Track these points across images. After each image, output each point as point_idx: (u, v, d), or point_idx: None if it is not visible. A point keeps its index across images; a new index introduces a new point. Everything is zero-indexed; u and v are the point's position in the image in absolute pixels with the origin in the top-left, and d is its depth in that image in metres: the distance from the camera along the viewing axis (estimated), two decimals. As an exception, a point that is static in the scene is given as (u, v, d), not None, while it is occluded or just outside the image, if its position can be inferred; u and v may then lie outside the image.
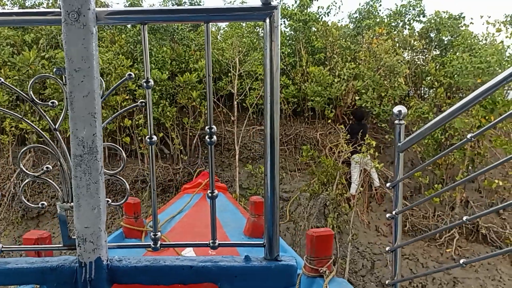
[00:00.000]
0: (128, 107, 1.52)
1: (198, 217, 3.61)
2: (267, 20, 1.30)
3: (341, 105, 8.15)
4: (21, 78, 6.30)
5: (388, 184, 1.86)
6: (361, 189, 6.53)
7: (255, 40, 8.77)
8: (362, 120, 7.55)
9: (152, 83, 1.41)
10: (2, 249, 1.48)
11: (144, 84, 1.39)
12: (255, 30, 9.11)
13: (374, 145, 6.08)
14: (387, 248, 1.92)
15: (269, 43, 1.31)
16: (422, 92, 9.24)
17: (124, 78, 1.43)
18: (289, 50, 8.79)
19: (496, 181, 6.70)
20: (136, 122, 6.99)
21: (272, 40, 1.31)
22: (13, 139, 6.94)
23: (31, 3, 8.22)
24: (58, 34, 7.17)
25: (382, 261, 6.29)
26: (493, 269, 5.97)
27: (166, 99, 7.30)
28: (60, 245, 1.49)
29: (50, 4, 8.01)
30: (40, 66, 6.36)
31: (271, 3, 1.30)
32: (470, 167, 7.24)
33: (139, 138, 7.07)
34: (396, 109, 1.72)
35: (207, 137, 1.41)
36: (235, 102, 7.71)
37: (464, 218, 1.44)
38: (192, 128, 7.61)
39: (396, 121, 1.75)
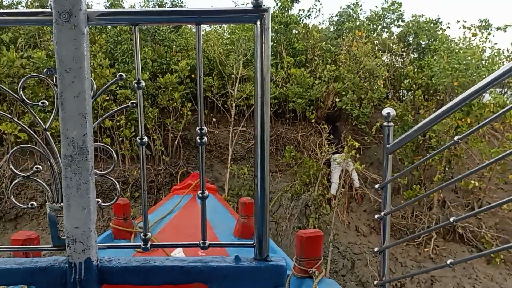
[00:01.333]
0: (120, 107, 1.52)
1: (188, 219, 3.60)
2: (258, 23, 1.32)
3: (322, 107, 8.23)
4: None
5: (377, 186, 1.88)
6: (342, 189, 6.61)
7: (235, 41, 8.80)
8: (335, 122, 7.68)
9: (143, 84, 1.42)
10: None
11: (135, 85, 1.40)
12: (237, 31, 9.13)
13: (356, 146, 6.17)
14: (375, 249, 1.95)
15: (259, 45, 1.34)
16: (401, 94, 9.40)
17: (116, 79, 1.44)
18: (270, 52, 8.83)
19: (472, 181, 6.87)
20: (117, 123, 6.92)
21: (262, 42, 1.33)
22: (-10, 140, 6.80)
23: (8, 2, 8.07)
24: (37, 34, 7.06)
25: (362, 260, 6.38)
26: (470, 268, 6.12)
27: (147, 100, 7.25)
28: (50, 246, 1.48)
29: (29, 4, 7.87)
30: (19, 66, 6.24)
31: (262, 6, 1.32)
32: (447, 168, 7.41)
33: (120, 139, 7.01)
34: (385, 111, 1.74)
35: (197, 138, 1.43)
36: (233, 104, 7.69)
37: (452, 219, 1.48)
38: (173, 129, 7.58)
39: (385, 123, 1.77)
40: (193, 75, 7.89)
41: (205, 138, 1.43)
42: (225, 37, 9.21)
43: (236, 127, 8.14)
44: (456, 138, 1.43)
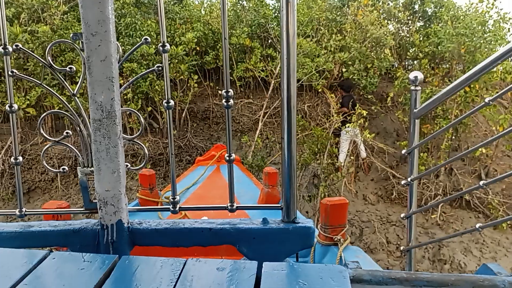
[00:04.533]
0: (146, 71, 1.53)
1: (212, 189, 3.64)
2: None
3: (328, 77, 8.18)
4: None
5: (403, 151, 1.89)
6: (351, 157, 6.65)
7: (239, 12, 8.69)
8: (350, 91, 7.60)
9: (169, 47, 1.42)
10: (26, 212, 1.50)
11: (161, 48, 1.40)
12: (240, 2, 9.00)
13: (364, 114, 6.17)
14: (401, 215, 1.96)
15: (285, 5, 1.32)
16: (407, 63, 9.31)
17: (141, 42, 1.44)
18: (275, 22, 8.72)
19: (479, 149, 6.87)
20: (124, 97, 6.92)
21: (288, 1, 1.31)
22: (-1, 116, 6.87)
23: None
24: (40, 9, 6.99)
25: (370, 228, 6.47)
26: (476, 233, 6.19)
27: (153, 73, 7.22)
28: (82, 209, 1.51)
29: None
30: (24, 41, 6.21)
31: None
32: (453, 136, 7.41)
33: (128, 112, 7.01)
34: (412, 75, 1.73)
35: (223, 100, 1.43)
36: (272, 81, 7.56)
37: (481, 182, 1.49)
38: (180, 102, 7.56)
39: (412, 87, 1.75)
40: (198, 48, 7.82)
41: (231, 101, 1.43)
42: (229, 9, 9.06)
43: (242, 99, 8.13)
44: (487, 99, 1.43)
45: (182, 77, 7.26)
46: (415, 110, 1.77)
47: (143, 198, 3.22)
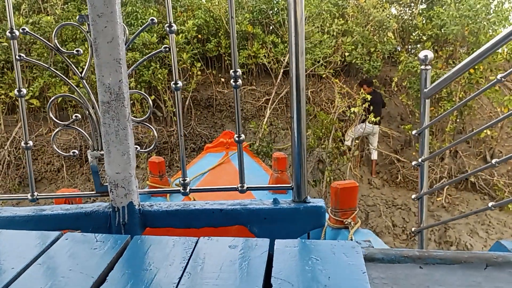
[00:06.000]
0: (153, 52, 1.52)
1: (222, 176, 3.63)
2: None
3: (331, 62, 8.13)
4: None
5: (414, 132, 1.87)
6: (357, 141, 6.64)
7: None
8: (372, 85, 7.31)
9: (175, 28, 1.41)
10: (37, 197, 1.51)
11: (167, 28, 1.39)
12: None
13: (368, 98, 6.16)
14: (413, 196, 1.95)
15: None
16: (410, 47, 9.24)
17: (148, 23, 1.43)
18: (276, 8, 8.66)
19: (484, 131, 6.85)
20: (127, 86, 6.92)
21: None
22: (3, 107, 6.90)
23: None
24: (40, -1, 6.98)
25: (376, 212, 6.49)
26: (482, 215, 6.21)
27: (156, 62, 7.19)
28: (93, 192, 1.52)
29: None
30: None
31: None
32: (458, 119, 7.39)
33: (131, 101, 7.01)
34: (422, 54, 1.71)
35: (232, 81, 1.42)
36: (281, 70, 7.47)
37: (493, 161, 1.49)
38: (184, 90, 7.54)
39: (422, 67, 1.72)
40: (199, 35, 7.78)
41: (240, 80, 1.42)
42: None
43: (245, 86, 8.11)
44: (499, 76, 1.42)
45: (184, 65, 7.23)
46: (425, 90, 1.75)
47: (153, 185, 3.22)
